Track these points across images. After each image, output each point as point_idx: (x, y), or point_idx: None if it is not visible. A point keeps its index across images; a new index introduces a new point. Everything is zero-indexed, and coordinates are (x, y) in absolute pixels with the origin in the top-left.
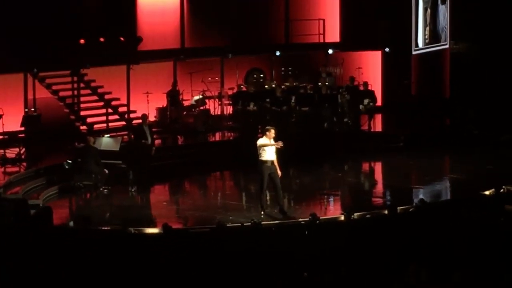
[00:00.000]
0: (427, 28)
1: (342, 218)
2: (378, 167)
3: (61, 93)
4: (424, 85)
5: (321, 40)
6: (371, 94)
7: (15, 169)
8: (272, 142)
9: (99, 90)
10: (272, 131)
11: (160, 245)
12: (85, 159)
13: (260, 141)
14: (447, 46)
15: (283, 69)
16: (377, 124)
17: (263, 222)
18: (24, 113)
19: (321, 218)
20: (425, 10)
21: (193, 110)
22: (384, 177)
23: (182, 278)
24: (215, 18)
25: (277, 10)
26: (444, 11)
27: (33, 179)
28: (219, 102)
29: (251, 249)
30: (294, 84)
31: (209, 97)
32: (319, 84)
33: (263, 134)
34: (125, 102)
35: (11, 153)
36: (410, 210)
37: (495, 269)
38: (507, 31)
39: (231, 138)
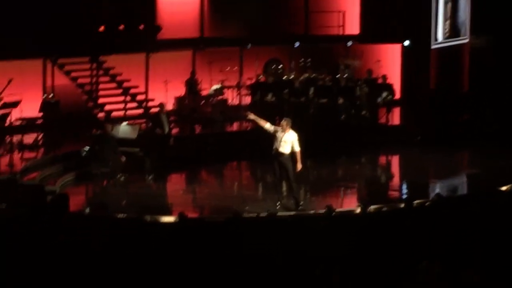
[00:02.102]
0: (447, 22)
1: (358, 210)
2: (395, 161)
3: (80, 80)
4: (443, 79)
5: (341, 32)
6: (389, 87)
7: (33, 155)
8: (290, 134)
9: (118, 78)
10: (284, 123)
11: (176, 234)
12: (102, 146)
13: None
14: (467, 40)
15: (302, 60)
16: (395, 118)
17: (278, 213)
18: (43, 99)
19: (337, 210)
20: (445, 3)
21: (211, 99)
22: (401, 170)
23: (196, 267)
24: (234, 8)
25: (297, 1)
26: (464, 5)
27: (50, 166)
28: (238, 92)
29: (266, 240)
30: (313, 75)
31: (228, 87)
32: (338, 76)
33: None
34: (144, 90)
35: (29, 138)
36: (427, 204)
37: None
38: None
39: (248, 128)
